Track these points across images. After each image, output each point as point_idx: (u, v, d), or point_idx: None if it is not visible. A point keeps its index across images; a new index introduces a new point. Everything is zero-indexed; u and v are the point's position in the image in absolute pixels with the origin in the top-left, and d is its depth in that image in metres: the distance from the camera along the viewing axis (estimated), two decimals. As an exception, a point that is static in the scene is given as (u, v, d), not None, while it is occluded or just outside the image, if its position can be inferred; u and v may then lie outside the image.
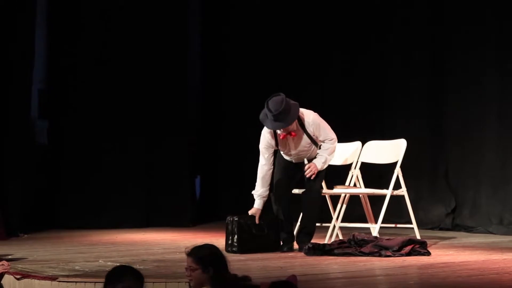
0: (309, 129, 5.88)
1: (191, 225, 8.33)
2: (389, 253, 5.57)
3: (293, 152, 5.95)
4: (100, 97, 8.29)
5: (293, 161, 6.02)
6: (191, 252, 3.75)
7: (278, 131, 5.81)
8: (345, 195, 6.39)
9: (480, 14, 7.55)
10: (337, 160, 6.52)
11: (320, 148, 5.97)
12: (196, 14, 9.24)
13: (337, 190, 6.31)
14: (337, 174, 6.66)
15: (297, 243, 6.00)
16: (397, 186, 6.24)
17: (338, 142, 6.67)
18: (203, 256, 3.73)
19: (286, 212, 5.96)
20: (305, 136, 5.88)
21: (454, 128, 7.75)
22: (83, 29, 8.29)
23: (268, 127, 5.80)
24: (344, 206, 6.38)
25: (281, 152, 6.01)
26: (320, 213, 6.12)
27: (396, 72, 8.14)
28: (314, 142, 5.94)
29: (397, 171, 6.22)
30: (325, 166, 5.94)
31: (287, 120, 5.70)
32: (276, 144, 5.91)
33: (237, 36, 9.23)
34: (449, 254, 5.83)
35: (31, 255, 5.73)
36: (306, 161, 6.01)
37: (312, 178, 5.85)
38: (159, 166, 8.46)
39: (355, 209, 6.70)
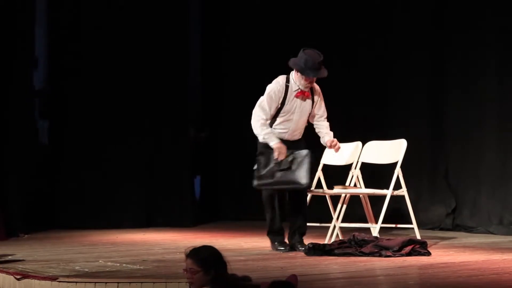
0: (315, 98, 5.95)
1: (191, 225, 8.33)
2: (389, 253, 5.56)
3: (295, 118, 5.88)
4: (100, 97, 8.28)
5: (286, 137, 5.90)
6: (190, 253, 3.72)
7: (296, 89, 5.79)
8: (346, 195, 6.39)
9: (480, 14, 7.55)
10: (338, 160, 6.51)
11: (318, 127, 6.01)
12: (197, 15, 9.24)
13: (337, 190, 6.31)
14: (337, 174, 6.66)
15: (292, 243, 5.98)
16: (398, 186, 6.24)
17: (338, 142, 6.68)
18: (204, 257, 3.70)
19: (280, 212, 5.95)
20: (309, 105, 5.91)
21: (454, 128, 7.76)
22: (83, 29, 8.29)
23: (309, 75, 5.75)
24: (345, 206, 6.38)
25: (277, 125, 5.88)
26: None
27: (396, 72, 8.14)
28: (310, 114, 5.96)
29: (397, 171, 6.22)
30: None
31: (325, 71, 5.80)
32: (282, 103, 5.85)
33: (237, 36, 9.24)
34: (449, 254, 5.83)
35: (31, 255, 5.73)
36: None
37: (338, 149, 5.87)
38: (159, 166, 8.46)
39: (355, 209, 6.70)
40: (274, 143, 5.80)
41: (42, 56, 8.22)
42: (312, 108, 5.96)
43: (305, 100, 5.89)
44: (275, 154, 5.78)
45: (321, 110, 6.01)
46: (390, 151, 6.37)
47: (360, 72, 8.32)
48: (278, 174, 5.79)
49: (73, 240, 6.98)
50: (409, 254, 5.60)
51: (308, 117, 5.99)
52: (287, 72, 8.75)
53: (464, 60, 7.66)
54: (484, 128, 7.55)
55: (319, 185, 6.54)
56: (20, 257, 5.57)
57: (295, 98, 5.86)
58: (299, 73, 5.82)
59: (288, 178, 5.78)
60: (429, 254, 5.66)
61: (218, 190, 9.34)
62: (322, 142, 6.09)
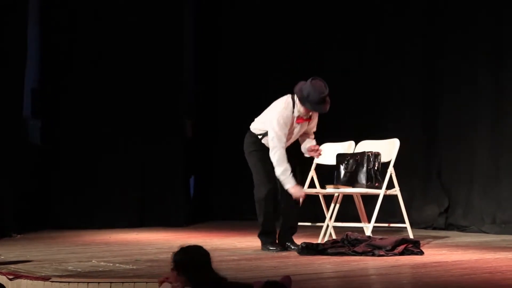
0: (314, 119, 5.99)
1: (185, 225, 8.32)
2: (382, 253, 5.57)
3: (293, 138, 5.94)
4: (93, 97, 8.27)
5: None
6: (172, 254, 3.75)
7: (297, 115, 5.80)
8: (338, 195, 6.39)
9: (474, 16, 7.57)
10: (330, 159, 6.52)
11: (304, 140, 6.04)
12: (191, 17, 9.24)
13: (330, 189, 6.31)
14: (330, 173, 6.66)
15: (283, 242, 5.98)
16: (390, 185, 6.25)
17: (331, 141, 6.70)
18: (177, 259, 3.69)
19: (272, 212, 5.95)
20: (306, 125, 5.96)
21: (447, 128, 7.78)
22: (76, 28, 8.27)
23: (308, 108, 5.74)
24: (337, 205, 6.39)
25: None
26: None
27: (389, 72, 8.16)
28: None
29: (390, 170, 6.23)
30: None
31: (327, 106, 5.80)
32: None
33: (231, 36, 9.23)
34: (442, 253, 5.84)
35: (24, 256, 5.71)
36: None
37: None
38: (153, 166, 8.45)
39: (348, 209, 6.71)
40: (290, 185, 5.76)
41: (35, 55, 8.20)
42: (307, 126, 5.99)
43: (304, 123, 5.92)
44: (296, 198, 5.79)
45: (313, 128, 6.06)
46: (383, 150, 6.37)
47: (353, 72, 8.33)
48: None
49: (66, 240, 6.96)
50: (402, 253, 5.61)
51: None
52: (281, 72, 8.84)
53: (457, 61, 7.68)
54: (477, 128, 7.57)
55: (312, 185, 6.54)
56: (13, 257, 5.56)
57: (295, 123, 5.87)
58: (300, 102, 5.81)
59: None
60: (422, 253, 5.67)
61: (212, 189, 9.33)
62: (302, 148, 6.07)
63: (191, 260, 3.69)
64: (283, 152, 5.74)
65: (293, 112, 5.79)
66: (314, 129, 6.09)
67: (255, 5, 9.05)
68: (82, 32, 8.26)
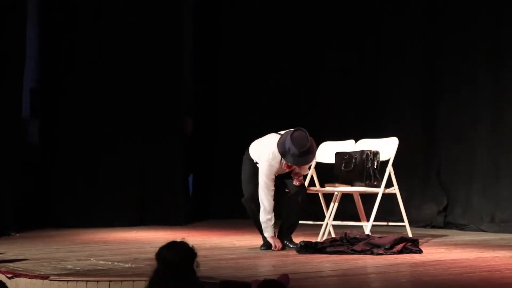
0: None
1: (184, 224, 8.32)
2: (381, 251, 5.57)
3: (281, 175, 6.00)
4: (93, 96, 8.27)
5: None
6: None
7: (285, 162, 5.85)
8: (337, 193, 6.39)
9: (473, 16, 7.57)
10: (330, 158, 6.52)
11: None
12: (191, 17, 9.23)
13: (329, 188, 6.31)
14: (329, 172, 6.66)
15: (282, 241, 5.98)
16: (389, 184, 6.25)
17: (331, 140, 6.69)
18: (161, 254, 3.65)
19: (255, 212, 5.97)
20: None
21: (446, 127, 7.77)
22: (75, 27, 8.26)
23: (290, 162, 5.80)
24: (337, 204, 6.39)
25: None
26: None
27: (389, 72, 8.16)
28: None
29: (389, 169, 6.23)
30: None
31: (309, 158, 5.84)
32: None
33: (231, 35, 9.23)
34: (440, 252, 5.84)
35: (22, 254, 5.71)
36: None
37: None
38: (152, 164, 8.45)
39: (347, 207, 6.71)
40: (269, 235, 5.88)
41: (34, 55, 8.20)
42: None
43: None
44: (273, 247, 5.87)
45: (306, 169, 6.13)
46: (382, 149, 6.37)
47: (353, 71, 8.33)
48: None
49: (65, 238, 6.96)
50: (400, 252, 5.61)
51: None
52: (281, 72, 8.82)
53: (457, 61, 7.68)
54: (476, 127, 7.57)
55: (311, 183, 6.54)
56: (12, 256, 5.56)
57: (284, 167, 5.92)
58: None
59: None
60: (420, 251, 5.67)
61: (211, 188, 9.33)
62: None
63: (176, 257, 3.63)
64: (271, 201, 5.84)
65: (281, 161, 5.85)
66: (307, 170, 6.14)
67: (255, 5, 9.04)
68: (82, 32, 8.26)
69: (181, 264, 3.55)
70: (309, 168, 6.25)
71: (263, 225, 5.91)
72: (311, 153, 5.82)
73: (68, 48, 8.24)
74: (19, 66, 7.72)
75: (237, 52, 9.15)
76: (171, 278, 3.52)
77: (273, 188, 5.88)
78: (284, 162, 5.87)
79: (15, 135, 7.71)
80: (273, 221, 5.89)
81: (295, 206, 5.97)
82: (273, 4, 8.90)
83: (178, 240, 3.64)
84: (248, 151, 6.07)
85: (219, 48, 9.32)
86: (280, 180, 5.95)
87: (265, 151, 5.91)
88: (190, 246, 3.60)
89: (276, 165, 5.87)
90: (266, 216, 5.86)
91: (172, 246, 3.61)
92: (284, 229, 6.01)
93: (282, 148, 5.79)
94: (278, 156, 5.85)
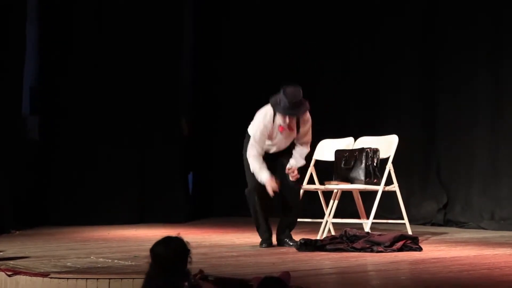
0: (303, 128, 5.93)
1: (184, 221, 8.33)
2: (380, 249, 5.57)
3: (277, 145, 5.93)
4: (92, 94, 8.27)
5: (269, 151, 5.96)
6: None
7: (279, 123, 5.82)
8: (337, 191, 6.39)
9: (473, 15, 7.57)
10: (329, 155, 6.52)
11: (295, 148, 5.98)
12: (191, 17, 9.24)
13: (329, 186, 6.32)
14: (329, 170, 6.66)
15: (279, 239, 5.99)
16: (389, 182, 6.25)
17: (330, 137, 6.69)
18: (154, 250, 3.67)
19: (264, 208, 5.95)
20: (294, 134, 5.93)
21: (446, 125, 7.78)
22: (75, 26, 8.26)
23: (280, 112, 5.78)
24: (336, 202, 6.39)
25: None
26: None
27: (388, 70, 8.16)
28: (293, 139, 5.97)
29: (389, 166, 6.23)
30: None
31: (300, 110, 5.79)
32: (269, 136, 5.90)
33: (232, 35, 9.23)
34: (440, 249, 5.85)
35: (22, 252, 5.71)
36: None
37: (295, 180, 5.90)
38: (152, 162, 8.46)
39: (347, 205, 6.71)
40: (265, 178, 5.80)
41: (34, 53, 8.20)
42: (297, 135, 5.96)
43: (289, 131, 5.90)
44: (268, 190, 5.78)
45: (305, 138, 5.99)
46: (381, 146, 6.37)
47: (353, 70, 8.33)
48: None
49: (65, 236, 6.97)
50: (400, 249, 5.61)
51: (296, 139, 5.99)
52: (280, 71, 8.81)
53: (456, 59, 7.69)
54: (475, 125, 7.57)
55: (311, 181, 6.54)
56: (12, 254, 5.56)
57: (277, 131, 5.88)
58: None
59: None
60: (420, 249, 5.67)
61: (212, 186, 9.33)
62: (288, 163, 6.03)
63: (169, 252, 3.62)
64: (256, 158, 5.81)
65: (273, 121, 5.82)
66: (307, 139, 6.01)
67: (255, 5, 9.04)
68: (81, 31, 8.26)
69: (175, 259, 3.55)
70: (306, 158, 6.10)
71: (256, 172, 5.78)
72: (302, 105, 5.78)
73: (67, 47, 8.24)
74: (19, 63, 7.73)
75: (237, 52, 9.14)
76: (165, 274, 3.53)
77: (262, 152, 5.79)
78: (278, 123, 5.81)
79: (15, 132, 7.72)
80: (261, 168, 5.76)
81: (292, 204, 5.96)
82: (273, 5, 8.90)
83: (173, 235, 3.64)
84: (247, 135, 5.99)
85: (219, 47, 9.32)
86: (279, 176, 5.92)
87: (258, 115, 5.89)
88: (184, 241, 3.60)
89: (268, 125, 5.82)
90: (252, 169, 5.78)
91: (166, 242, 3.61)
92: (283, 227, 6.01)
93: (274, 100, 5.79)
94: (271, 114, 5.82)
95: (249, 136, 5.99)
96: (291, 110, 5.76)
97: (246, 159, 5.96)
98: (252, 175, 5.90)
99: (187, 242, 3.64)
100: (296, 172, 5.89)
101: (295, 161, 5.94)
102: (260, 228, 6.00)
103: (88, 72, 8.27)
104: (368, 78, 8.25)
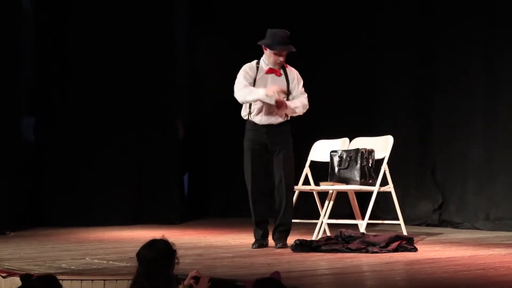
0: (291, 80, 5.96)
1: (179, 222, 8.32)
2: (376, 249, 5.58)
3: (268, 93, 5.86)
4: (88, 94, 8.26)
5: (262, 121, 5.91)
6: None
7: (265, 67, 5.88)
8: (332, 192, 6.39)
9: (468, 12, 7.58)
10: (324, 156, 6.53)
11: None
12: (183, 15, 9.23)
13: (324, 186, 6.32)
14: (324, 170, 6.67)
15: (274, 239, 5.99)
16: (384, 182, 6.26)
17: (325, 139, 6.68)
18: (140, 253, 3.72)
19: (263, 208, 5.95)
20: (284, 83, 5.93)
21: (441, 125, 7.79)
22: (70, 25, 8.25)
23: (276, 49, 5.86)
24: (332, 202, 6.39)
25: (252, 106, 5.91)
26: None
27: (383, 70, 8.16)
28: (287, 95, 5.94)
29: (384, 167, 6.24)
30: (294, 113, 5.95)
31: (289, 46, 5.90)
32: (253, 82, 5.91)
33: (223, 33, 9.21)
34: (435, 250, 5.85)
35: (17, 253, 5.71)
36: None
37: (278, 107, 5.83)
38: (147, 163, 8.45)
39: (342, 206, 6.72)
40: (262, 92, 5.81)
41: (30, 53, 8.18)
42: (287, 86, 5.93)
43: (277, 77, 5.94)
44: (274, 96, 5.76)
45: (298, 90, 6.00)
46: (377, 147, 6.38)
47: (348, 69, 8.33)
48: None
49: (60, 237, 6.96)
50: (395, 250, 5.62)
51: (287, 93, 5.94)
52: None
53: (451, 59, 7.69)
54: (470, 125, 7.58)
55: (306, 182, 6.55)
56: (6, 255, 5.55)
57: (265, 75, 5.91)
58: (267, 50, 5.93)
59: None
60: (415, 250, 5.68)
61: (207, 187, 9.33)
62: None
63: (153, 255, 3.63)
64: (244, 88, 5.86)
65: (257, 68, 5.90)
66: (302, 95, 5.98)
67: (248, 3, 9.03)
68: (77, 31, 8.25)
69: (159, 261, 3.57)
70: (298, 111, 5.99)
71: (251, 95, 5.83)
72: (290, 44, 5.88)
73: (63, 47, 8.23)
74: (15, 64, 7.71)
75: (229, 51, 9.13)
76: (150, 277, 3.55)
77: (247, 83, 5.84)
78: (264, 68, 5.87)
79: (11, 133, 7.70)
80: (250, 90, 5.82)
81: (286, 206, 5.92)
82: (266, 2, 8.89)
83: (158, 238, 3.66)
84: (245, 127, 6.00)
85: (211, 47, 9.30)
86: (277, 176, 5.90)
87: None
88: (170, 242, 3.62)
89: (250, 70, 5.90)
90: (244, 94, 5.82)
91: (150, 244, 3.63)
92: (279, 231, 5.98)
93: (266, 41, 5.90)
94: (253, 64, 5.92)
95: (244, 120, 5.97)
96: (286, 46, 5.86)
97: (244, 153, 5.92)
98: (248, 176, 5.87)
99: (172, 243, 3.65)
100: (283, 101, 5.83)
101: (290, 102, 5.90)
102: (256, 228, 5.98)
103: (85, 73, 8.25)
104: (362, 77, 8.25)
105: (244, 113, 6.04)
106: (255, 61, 6.00)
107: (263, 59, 5.99)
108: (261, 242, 5.95)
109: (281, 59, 5.93)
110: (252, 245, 5.97)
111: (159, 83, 8.50)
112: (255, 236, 6.00)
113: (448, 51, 7.71)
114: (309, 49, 8.60)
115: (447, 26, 7.72)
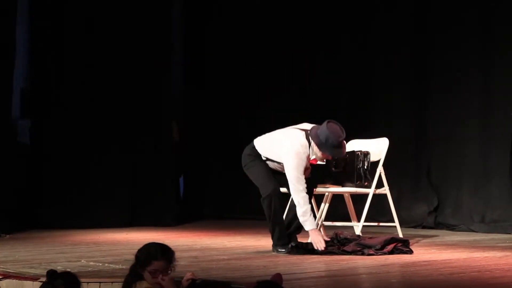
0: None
1: (175, 224, 8.31)
2: (371, 252, 5.58)
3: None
4: (83, 97, 8.25)
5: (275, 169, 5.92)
6: (165, 254, 3.76)
7: (313, 156, 5.77)
8: (328, 194, 6.40)
9: (463, 14, 7.59)
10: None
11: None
12: (179, 17, 9.22)
13: (320, 189, 6.32)
14: (320, 172, 6.66)
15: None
16: (380, 184, 6.26)
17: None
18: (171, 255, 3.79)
19: (282, 215, 5.91)
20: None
21: (436, 127, 7.80)
22: (66, 28, 8.24)
23: (327, 153, 5.72)
24: (327, 205, 6.40)
25: (267, 162, 5.89)
26: None
27: (379, 72, 8.17)
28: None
29: (380, 169, 6.24)
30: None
31: (344, 150, 5.80)
32: None
33: (220, 35, 9.22)
34: (431, 252, 5.86)
35: (12, 256, 5.70)
36: None
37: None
38: (143, 165, 8.44)
39: (338, 208, 6.72)
40: (310, 227, 5.70)
41: (25, 55, 8.17)
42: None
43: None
44: (316, 245, 5.66)
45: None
46: (372, 149, 6.38)
47: (343, 71, 8.34)
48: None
49: (55, 240, 6.95)
50: (391, 252, 5.62)
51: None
52: (270, 73, 8.81)
53: (447, 61, 7.70)
54: (466, 128, 7.59)
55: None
56: (2, 257, 5.54)
57: (309, 163, 5.82)
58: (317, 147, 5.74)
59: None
60: (411, 252, 5.68)
61: (202, 189, 9.32)
62: None
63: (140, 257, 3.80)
64: (305, 194, 5.69)
65: (308, 153, 5.74)
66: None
67: (244, 6, 9.03)
68: (72, 32, 8.24)
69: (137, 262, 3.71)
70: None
71: (302, 220, 5.66)
72: (344, 146, 5.78)
73: (58, 48, 8.22)
74: (9, 66, 7.70)
75: (226, 53, 9.13)
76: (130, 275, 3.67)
77: (304, 181, 5.69)
78: (312, 157, 5.76)
79: (5, 136, 7.68)
80: (310, 212, 5.66)
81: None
82: (262, 6, 8.90)
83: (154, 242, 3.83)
84: (253, 148, 5.86)
85: (207, 48, 9.29)
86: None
87: (288, 145, 5.71)
88: (164, 244, 3.79)
89: (305, 159, 5.71)
90: (302, 208, 5.63)
91: (146, 246, 3.79)
92: (292, 230, 5.91)
93: (318, 140, 5.65)
94: (307, 149, 5.71)
95: (255, 151, 5.84)
96: (338, 150, 5.72)
97: (250, 167, 5.85)
98: (268, 180, 5.77)
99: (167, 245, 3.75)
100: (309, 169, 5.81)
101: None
102: (274, 234, 5.84)
103: (79, 75, 8.24)
104: (358, 79, 8.26)
105: (265, 157, 5.86)
106: (306, 146, 5.71)
107: (312, 147, 5.75)
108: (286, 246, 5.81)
109: (329, 158, 5.85)
110: (283, 251, 5.77)
111: (154, 85, 8.49)
112: (283, 241, 5.83)
113: (444, 53, 7.72)
114: (305, 52, 8.62)
115: (443, 28, 7.73)
